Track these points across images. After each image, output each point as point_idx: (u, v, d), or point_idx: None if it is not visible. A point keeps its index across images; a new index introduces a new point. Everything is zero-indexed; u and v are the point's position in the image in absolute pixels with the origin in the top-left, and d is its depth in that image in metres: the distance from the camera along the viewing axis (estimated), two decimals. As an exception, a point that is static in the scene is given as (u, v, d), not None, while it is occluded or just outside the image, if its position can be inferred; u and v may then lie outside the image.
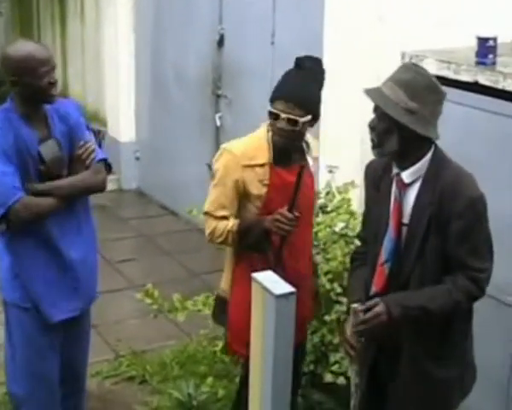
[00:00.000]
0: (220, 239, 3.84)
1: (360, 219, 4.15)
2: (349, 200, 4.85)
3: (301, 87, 3.71)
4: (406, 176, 3.27)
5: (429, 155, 3.25)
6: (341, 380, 4.48)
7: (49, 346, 3.99)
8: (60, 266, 3.90)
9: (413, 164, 3.25)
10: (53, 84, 3.73)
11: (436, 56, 4.29)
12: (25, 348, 3.97)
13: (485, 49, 4.11)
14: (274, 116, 3.71)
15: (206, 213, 3.89)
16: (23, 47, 3.75)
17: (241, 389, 4.06)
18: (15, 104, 3.78)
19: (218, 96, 7.59)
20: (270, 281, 2.94)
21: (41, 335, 3.95)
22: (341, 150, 5.39)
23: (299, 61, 3.77)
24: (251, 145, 3.81)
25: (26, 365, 3.99)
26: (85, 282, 4.03)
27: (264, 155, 3.77)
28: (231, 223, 3.80)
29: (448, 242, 3.21)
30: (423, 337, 3.31)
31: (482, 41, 4.12)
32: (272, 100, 3.74)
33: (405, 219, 3.29)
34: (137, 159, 9.07)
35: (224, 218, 3.82)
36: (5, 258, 3.92)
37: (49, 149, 3.80)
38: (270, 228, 3.73)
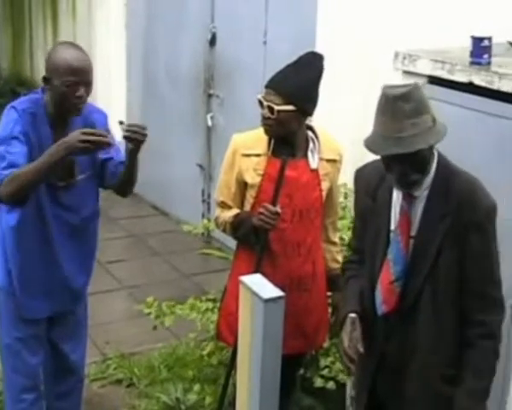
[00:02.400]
0: (221, 228, 4.00)
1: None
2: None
3: (285, 77, 3.73)
4: (416, 189, 3.08)
5: (435, 163, 3.09)
6: (331, 385, 4.45)
7: (33, 336, 3.96)
8: (49, 266, 3.86)
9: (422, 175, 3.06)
10: (79, 97, 3.63)
11: (430, 56, 4.23)
12: (11, 334, 3.95)
13: (480, 49, 4.05)
14: (260, 104, 3.77)
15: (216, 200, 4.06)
16: (63, 49, 3.69)
17: (227, 375, 4.03)
18: (47, 99, 3.72)
19: (210, 96, 7.52)
20: (258, 284, 2.88)
21: (25, 323, 3.92)
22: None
23: (300, 56, 3.79)
24: (253, 136, 3.89)
25: (10, 350, 3.98)
26: (70, 284, 3.99)
27: (262, 146, 3.83)
28: (230, 214, 3.89)
29: (465, 253, 3.04)
30: (436, 359, 3.15)
31: (477, 41, 4.06)
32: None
33: (413, 232, 3.13)
34: (128, 158, 8.98)
35: (223, 204, 3.94)
36: None
37: None
38: (255, 223, 3.75)
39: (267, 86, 3.77)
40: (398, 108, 2.90)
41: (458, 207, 3.03)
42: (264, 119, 3.75)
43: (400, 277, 3.14)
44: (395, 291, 3.16)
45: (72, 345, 4.15)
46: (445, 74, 4.09)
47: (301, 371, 4.49)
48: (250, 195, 3.88)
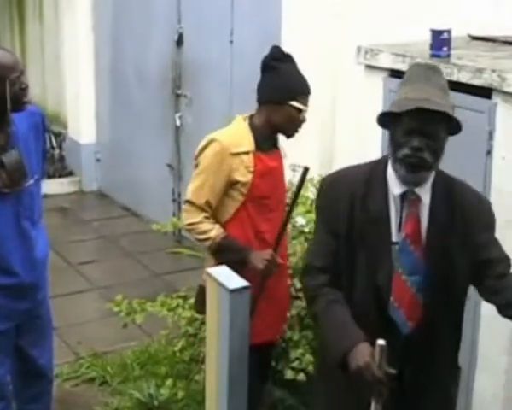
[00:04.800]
0: (199, 237, 3.84)
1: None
2: (307, 197, 4.85)
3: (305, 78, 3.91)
4: (424, 192, 2.92)
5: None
6: (302, 377, 4.47)
7: (1, 349, 3.93)
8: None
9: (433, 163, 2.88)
10: (24, 89, 3.61)
11: (391, 50, 4.30)
12: None
13: (440, 42, 4.11)
14: (299, 112, 3.85)
15: (188, 202, 3.86)
16: None
17: None
18: None
19: (178, 96, 7.57)
20: (224, 276, 2.94)
21: None
22: (300, 147, 5.37)
23: (283, 56, 3.90)
24: (236, 134, 3.86)
25: None
26: (28, 292, 3.96)
27: (248, 143, 3.83)
28: (216, 232, 3.80)
29: (478, 251, 2.92)
30: (453, 362, 3.14)
31: (436, 34, 4.13)
32: (295, 97, 3.83)
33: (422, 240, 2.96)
34: (98, 160, 9.04)
35: (207, 204, 3.80)
36: None
37: (10, 160, 3.70)
38: (256, 265, 3.74)
39: (307, 92, 3.90)
40: (431, 75, 2.88)
41: (464, 213, 2.94)
42: (302, 122, 3.89)
43: (422, 287, 2.94)
44: (419, 303, 2.95)
45: (40, 349, 4.13)
46: (405, 67, 4.11)
47: (272, 364, 4.53)
48: (239, 192, 3.82)
